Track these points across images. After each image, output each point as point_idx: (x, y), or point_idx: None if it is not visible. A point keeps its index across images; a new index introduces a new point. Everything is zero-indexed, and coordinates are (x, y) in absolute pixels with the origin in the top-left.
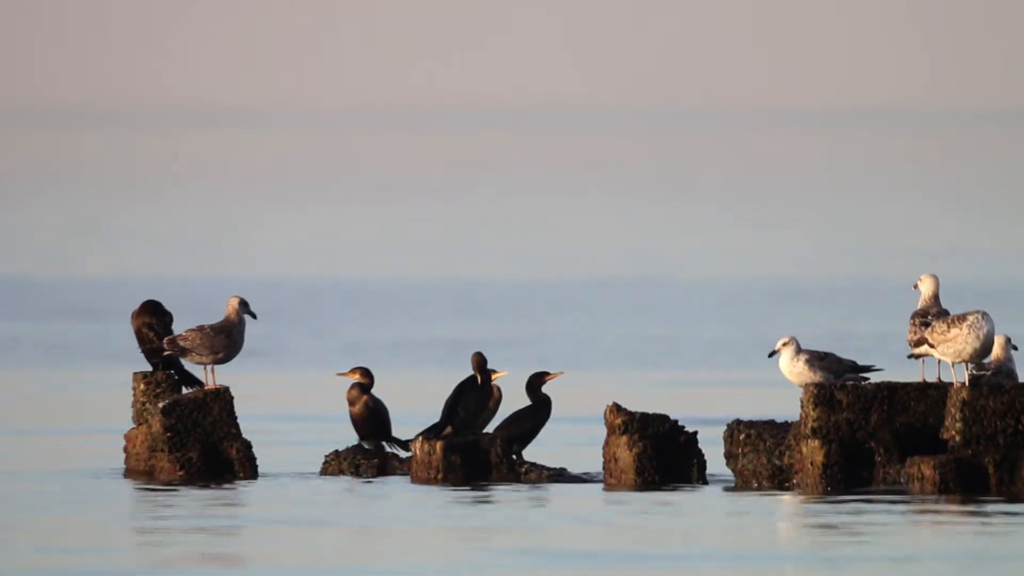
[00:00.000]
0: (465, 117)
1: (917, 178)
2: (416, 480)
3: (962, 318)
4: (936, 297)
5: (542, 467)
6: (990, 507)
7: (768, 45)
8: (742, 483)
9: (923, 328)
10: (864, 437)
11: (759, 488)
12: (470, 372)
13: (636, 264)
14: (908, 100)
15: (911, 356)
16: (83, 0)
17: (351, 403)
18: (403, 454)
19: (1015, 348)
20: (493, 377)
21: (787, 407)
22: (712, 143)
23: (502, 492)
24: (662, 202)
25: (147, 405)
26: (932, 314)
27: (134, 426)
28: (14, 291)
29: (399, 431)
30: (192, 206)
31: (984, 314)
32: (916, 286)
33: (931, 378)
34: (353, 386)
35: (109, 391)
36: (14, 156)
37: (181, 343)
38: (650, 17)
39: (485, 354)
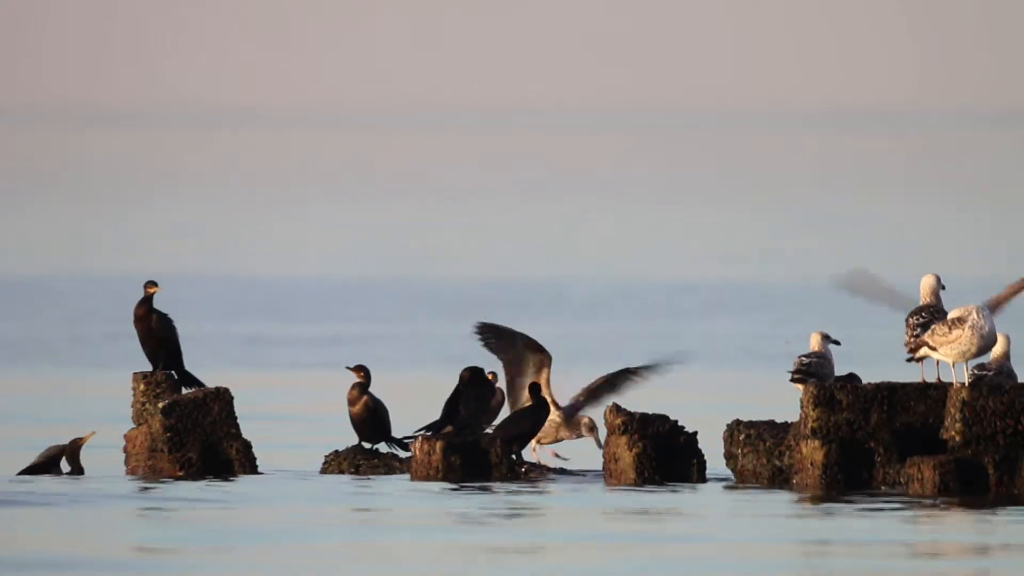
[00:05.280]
0: (465, 118)
1: (914, 179)
2: (416, 480)
3: (961, 320)
4: (936, 297)
5: (542, 467)
6: (989, 507)
7: (764, 46)
8: (742, 483)
9: (921, 330)
10: (864, 437)
11: (759, 488)
12: (463, 369)
13: (632, 264)
14: (906, 100)
15: (910, 360)
16: (86, 0)
17: (351, 403)
18: (403, 454)
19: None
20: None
21: (787, 407)
22: (708, 144)
23: (501, 492)
24: (659, 202)
25: (147, 405)
26: (929, 313)
27: (134, 426)
28: (15, 291)
29: (398, 430)
30: (193, 206)
31: (983, 310)
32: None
33: (931, 378)
34: (353, 386)
35: (109, 391)
36: (17, 156)
37: None
38: (644, 17)
39: (476, 356)
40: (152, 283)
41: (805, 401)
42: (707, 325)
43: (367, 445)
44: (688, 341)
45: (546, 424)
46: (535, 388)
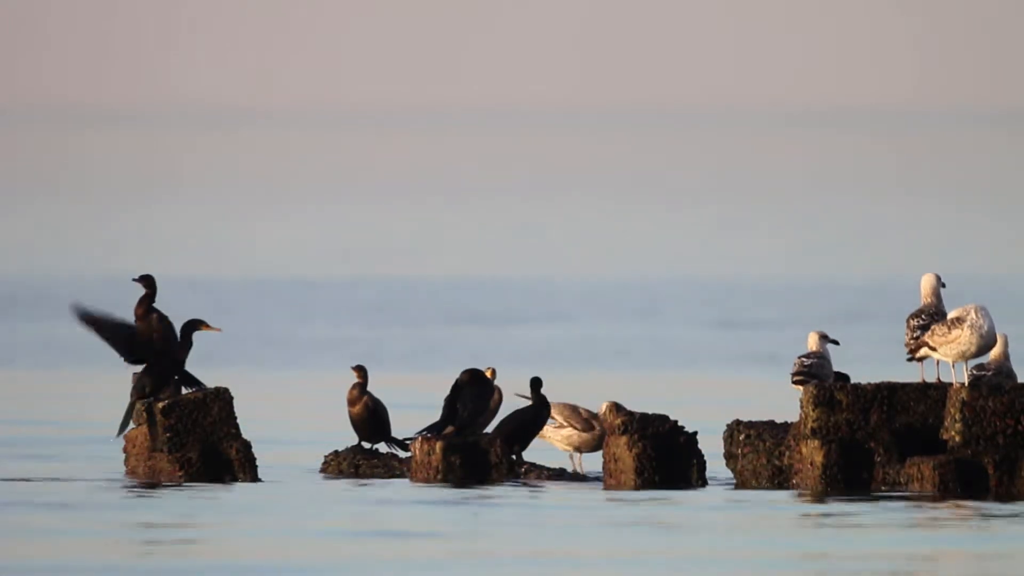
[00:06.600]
0: (465, 118)
1: (914, 179)
2: (416, 480)
3: (961, 320)
4: (937, 296)
5: (542, 467)
6: (989, 507)
7: (764, 46)
8: (742, 484)
9: (921, 331)
10: (864, 437)
11: (759, 488)
12: (462, 372)
13: (629, 265)
14: (905, 100)
15: (911, 360)
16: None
17: (351, 404)
18: (403, 454)
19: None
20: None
21: (787, 407)
22: (707, 144)
23: (501, 492)
24: (658, 202)
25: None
26: (929, 315)
27: (134, 426)
28: (17, 291)
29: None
30: (193, 206)
31: (982, 309)
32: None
33: (931, 378)
34: (353, 386)
35: (109, 391)
36: (17, 156)
37: None
38: (644, 17)
39: (476, 356)
40: (146, 276)
41: (805, 401)
42: (707, 324)
43: (367, 445)
44: (688, 340)
45: (589, 439)
46: (536, 383)
